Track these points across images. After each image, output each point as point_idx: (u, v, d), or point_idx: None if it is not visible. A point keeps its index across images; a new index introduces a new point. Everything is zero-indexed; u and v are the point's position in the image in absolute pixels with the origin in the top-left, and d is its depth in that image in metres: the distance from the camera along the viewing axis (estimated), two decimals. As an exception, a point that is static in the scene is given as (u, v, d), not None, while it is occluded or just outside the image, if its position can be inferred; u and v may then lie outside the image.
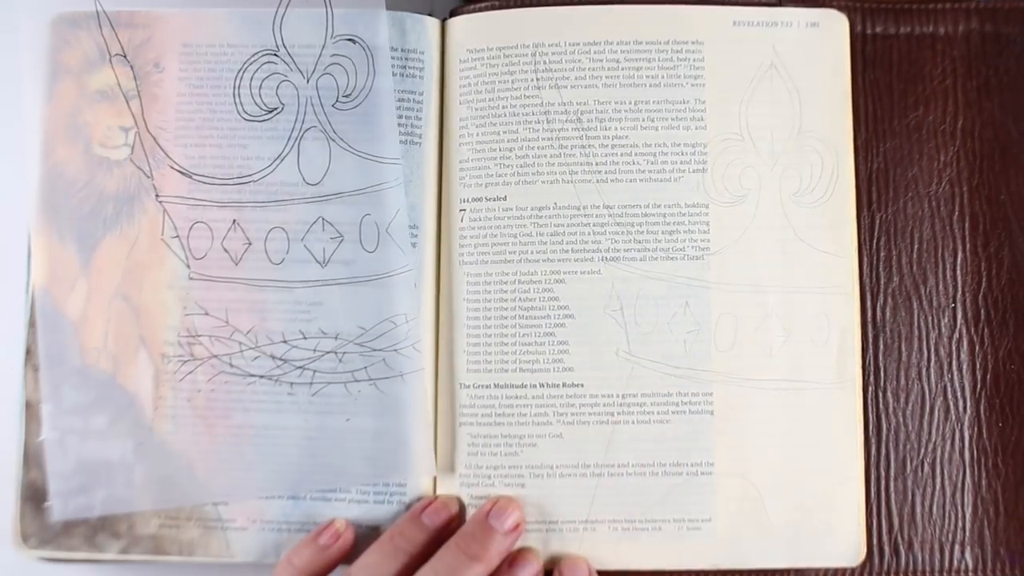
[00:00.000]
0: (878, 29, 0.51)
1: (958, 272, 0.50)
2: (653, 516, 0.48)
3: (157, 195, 0.49)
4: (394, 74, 0.50)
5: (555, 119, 0.50)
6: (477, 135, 0.50)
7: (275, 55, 0.49)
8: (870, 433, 0.49)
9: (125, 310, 0.49)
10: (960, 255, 0.50)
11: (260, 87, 0.49)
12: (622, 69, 0.50)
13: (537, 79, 0.50)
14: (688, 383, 0.48)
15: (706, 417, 0.48)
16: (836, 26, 0.51)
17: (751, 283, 0.49)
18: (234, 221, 0.49)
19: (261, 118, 0.49)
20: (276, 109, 0.49)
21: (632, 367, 0.48)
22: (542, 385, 0.48)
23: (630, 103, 0.50)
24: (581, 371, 0.48)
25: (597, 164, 0.49)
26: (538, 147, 0.49)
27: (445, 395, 0.49)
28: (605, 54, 0.50)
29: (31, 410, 0.48)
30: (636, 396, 0.48)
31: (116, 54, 0.50)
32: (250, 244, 0.49)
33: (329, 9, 0.49)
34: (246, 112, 0.49)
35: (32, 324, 0.49)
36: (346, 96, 0.49)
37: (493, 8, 0.51)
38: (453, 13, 0.51)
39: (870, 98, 0.51)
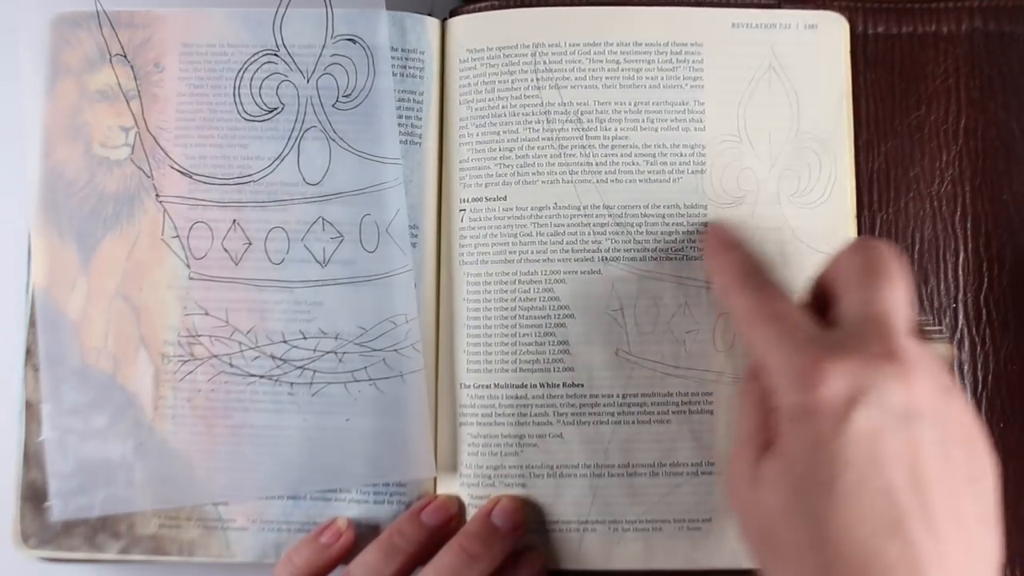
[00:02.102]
0: (880, 29, 0.51)
1: (960, 272, 0.49)
2: (653, 516, 0.47)
3: (157, 195, 0.49)
4: (394, 74, 0.50)
5: (555, 119, 0.49)
6: (477, 135, 0.50)
7: (275, 55, 0.49)
8: (871, 433, 0.48)
9: (125, 310, 0.48)
10: (962, 255, 0.50)
11: (260, 87, 0.49)
12: (622, 70, 0.50)
13: (537, 79, 0.50)
14: (688, 383, 0.48)
15: (706, 417, 0.48)
16: (835, 27, 0.51)
17: (751, 283, 0.49)
18: (234, 221, 0.49)
19: (261, 118, 0.49)
20: (276, 109, 0.49)
21: (632, 367, 0.48)
22: (542, 385, 0.48)
23: (630, 104, 0.50)
24: (581, 371, 0.48)
25: (597, 165, 0.49)
26: (538, 147, 0.49)
27: (445, 395, 0.49)
28: (605, 55, 0.50)
29: (31, 410, 0.48)
30: (636, 396, 0.48)
31: (116, 54, 0.50)
32: (250, 244, 0.48)
33: (329, 9, 0.49)
34: (246, 112, 0.49)
35: (32, 324, 0.48)
36: (346, 96, 0.49)
37: (493, 8, 0.50)
38: (453, 13, 0.51)
39: (871, 98, 0.50)
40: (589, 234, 0.49)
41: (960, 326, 0.49)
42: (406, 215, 0.49)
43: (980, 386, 0.49)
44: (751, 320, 0.39)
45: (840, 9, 0.51)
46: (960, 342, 0.49)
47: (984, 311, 0.49)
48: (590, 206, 0.49)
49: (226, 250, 0.48)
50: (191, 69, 0.50)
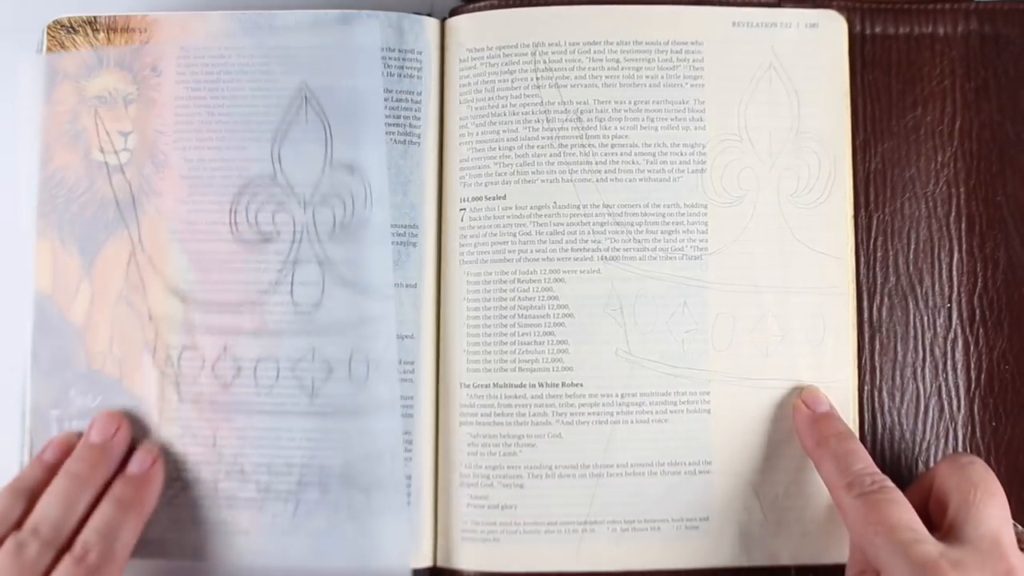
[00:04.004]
0: (877, 29, 0.49)
1: (954, 272, 0.48)
2: (652, 516, 0.46)
3: (157, 198, 0.47)
4: (392, 74, 0.48)
5: (555, 118, 0.48)
6: (477, 134, 0.48)
7: (273, 180, 0.47)
8: (865, 432, 0.48)
9: (129, 314, 0.47)
10: (956, 256, 0.48)
11: (257, 213, 0.47)
12: (622, 69, 0.48)
13: (537, 78, 0.48)
14: (686, 382, 0.47)
15: (703, 416, 0.47)
16: (835, 27, 0.49)
17: (749, 283, 0.47)
18: (224, 348, 0.46)
19: (256, 243, 0.47)
20: (272, 236, 0.47)
21: (631, 367, 0.46)
22: (541, 384, 0.47)
23: (630, 103, 0.48)
24: (580, 370, 0.47)
25: (596, 163, 0.47)
26: (538, 146, 0.48)
27: (446, 394, 0.47)
28: (605, 54, 0.48)
29: (39, 414, 0.47)
30: (635, 396, 0.46)
31: (114, 59, 0.48)
32: (240, 371, 0.46)
33: (329, 135, 0.47)
34: (242, 237, 0.47)
35: (39, 329, 0.47)
36: (342, 226, 0.47)
37: (493, 8, 0.49)
38: (453, 13, 0.50)
39: (868, 98, 0.49)
40: (589, 233, 0.47)
41: (954, 326, 0.48)
42: (396, 350, 0.46)
43: (973, 385, 0.48)
44: (867, 525, 0.40)
45: (838, 9, 0.49)
46: (954, 342, 0.48)
47: (978, 311, 0.48)
48: (590, 205, 0.47)
49: (216, 376, 0.46)
50: (188, 72, 0.48)
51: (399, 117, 0.48)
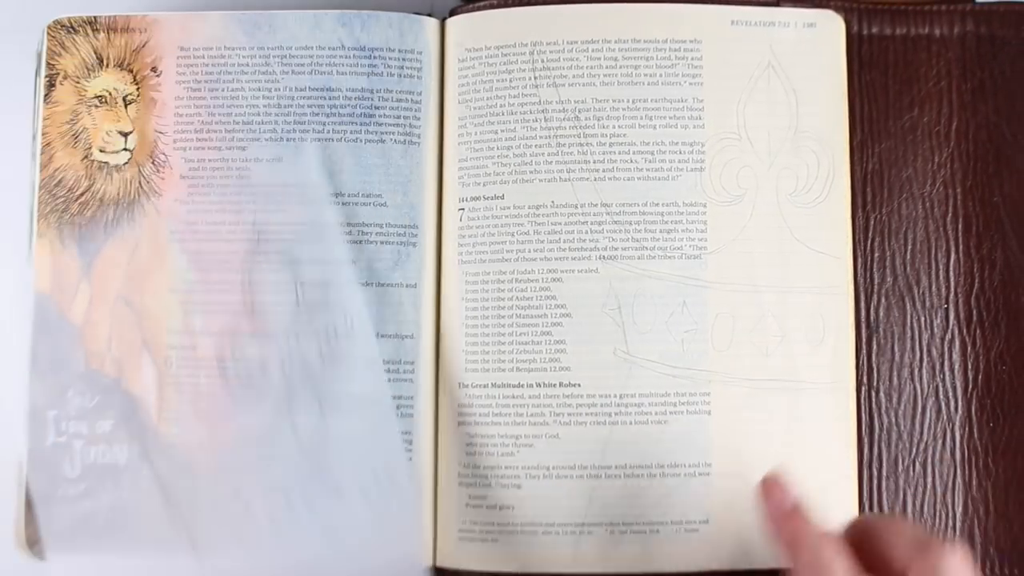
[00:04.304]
0: (874, 30, 0.49)
1: (951, 273, 0.48)
2: (651, 518, 0.46)
3: (157, 198, 0.47)
4: (392, 75, 0.48)
5: (553, 117, 0.47)
6: (475, 134, 0.48)
7: (251, 317, 0.46)
8: (863, 433, 0.47)
9: (127, 314, 0.47)
10: (953, 256, 0.48)
11: (242, 353, 0.47)
12: (620, 67, 0.48)
13: (535, 77, 0.47)
14: (685, 383, 0.46)
15: (704, 417, 0.46)
16: (832, 27, 0.49)
17: (748, 283, 0.47)
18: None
19: (247, 388, 0.46)
20: (260, 377, 0.46)
21: (630, 367, 0.46)
22: (539, 385, 0.46)
23: (628, 101, 0.47)
24: (578, 371, 0.46)
25: (595, 162, 0.47)
26: (536, 145, 0.47)
27: (445, 395, 0.47)
28: (603, 52, 0.48)
29: (37, 415, 0.46)
30: (634, 396, 0.46)
31: (114, 59, 0.48)
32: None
33: (298, 279, 0.47)
34: (230, 382, 0.46)
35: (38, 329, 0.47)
36: (329, 351, 0.46)
37: (492, 7, 0.48)
38: (452, 13, 0.49)
39: (866, 99, 0.49)
40: (587, 232, 0.47)
41: (951, 326, 0.48)
42: (405, 463, 0.46)
43: (970, 386, 0.48)
44: None
45: (836, 9, 0.49)
46: (951, 342, 0.48)
47: (975, 312, 0.48)
48: (587, 204, 0.47)
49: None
50: (188, 72, 0.48)
51: (399, 117, 0.47)
